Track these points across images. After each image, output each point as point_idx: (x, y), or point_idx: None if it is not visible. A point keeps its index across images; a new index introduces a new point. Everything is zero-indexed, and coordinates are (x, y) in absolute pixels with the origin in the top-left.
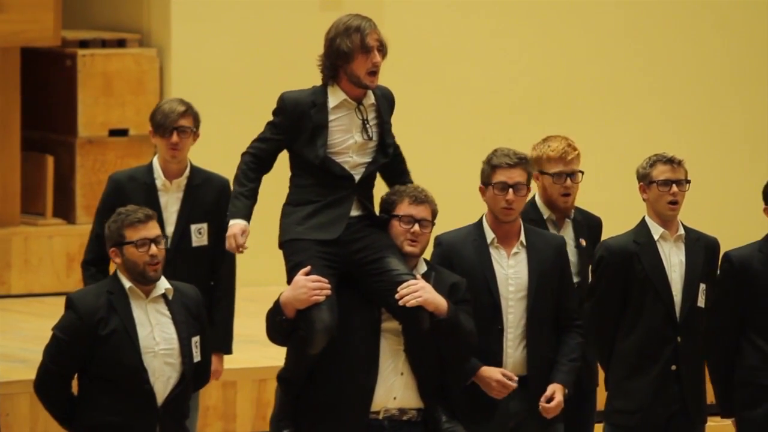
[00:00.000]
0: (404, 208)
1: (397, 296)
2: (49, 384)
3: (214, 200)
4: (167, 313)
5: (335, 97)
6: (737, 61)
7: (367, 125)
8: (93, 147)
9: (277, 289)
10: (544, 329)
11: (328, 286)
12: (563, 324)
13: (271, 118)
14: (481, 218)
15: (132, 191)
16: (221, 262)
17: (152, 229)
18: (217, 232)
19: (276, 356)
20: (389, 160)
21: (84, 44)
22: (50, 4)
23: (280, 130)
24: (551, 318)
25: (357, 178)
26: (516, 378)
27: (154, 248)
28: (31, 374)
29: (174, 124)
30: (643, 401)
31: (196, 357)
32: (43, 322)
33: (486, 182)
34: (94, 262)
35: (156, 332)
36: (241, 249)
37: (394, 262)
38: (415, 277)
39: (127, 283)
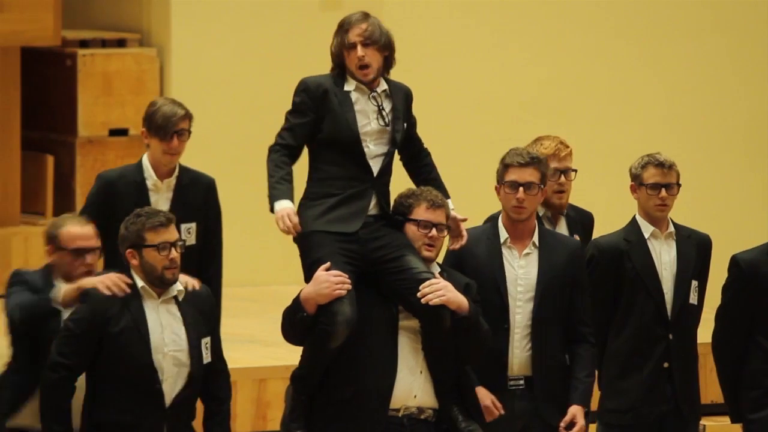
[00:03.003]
0: (422, 213)
1: (419, 294)
2: (55, 379)
3: (202, 200)
4: (178, 314)
5: (349, 83)
6: (737, 62)
7: (383, 111)
8: (93, 147)
9: (277, 289)
10: (551, 330)
11: (349, 280)
12: (574, 332)
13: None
14: (498, 218)
15: (122, 190)
16: (210, 262)
17: (173, 233)
18: (205, 231)
19: (276, 356)
20: (412, 156)
21: (84, 44)
22: (50, 3)
23: (308, 110)
24: (560, 320)
25: (375, 170)
26: (501, 409)
27: (174, 252)
28: None
29: (175, 128)
30: (635, 400)
31: (206, 358)
32: None
33: (499, 181)
34: None
35: (166, 333)
36: (295, 229)
37: (414, 261)
38: (434, 276)
39: (140, 283)
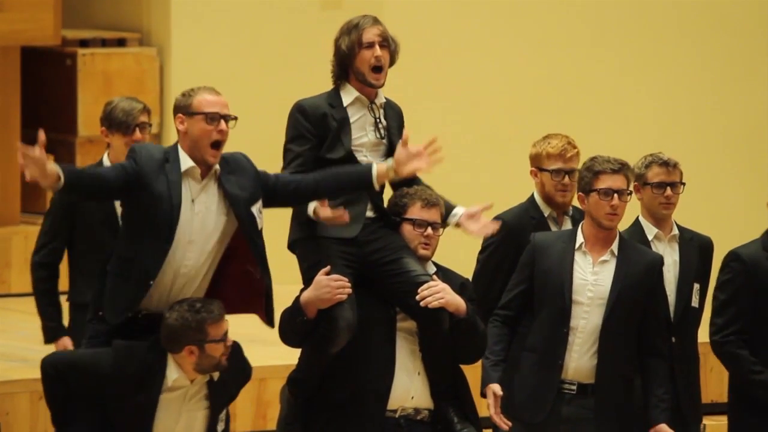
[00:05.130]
0: (416, 212)
1: (417, 297)
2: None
3: None
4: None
5: (348, 95)
6: (737, 61)
7: (380, 124)
8: (93, 146)
9: (276, 288)
10: (619, 341)
11: (349, 284)
12: (647, 344)
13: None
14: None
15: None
16: None
17: (226, 321)
18: None
19: (276, 356)
20: (407, 182)
21: (84, 43)
22: (50, 3)
23: (309, 134)
24: (629, 332)
25: None
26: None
27: (229, 339)
28: (32, 373)
29: (136, 121)
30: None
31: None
32: None
33: (588, 189)
34: (47, 266)
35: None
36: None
37: (411, 263)
38: (432, 278)
39: (173, 374)
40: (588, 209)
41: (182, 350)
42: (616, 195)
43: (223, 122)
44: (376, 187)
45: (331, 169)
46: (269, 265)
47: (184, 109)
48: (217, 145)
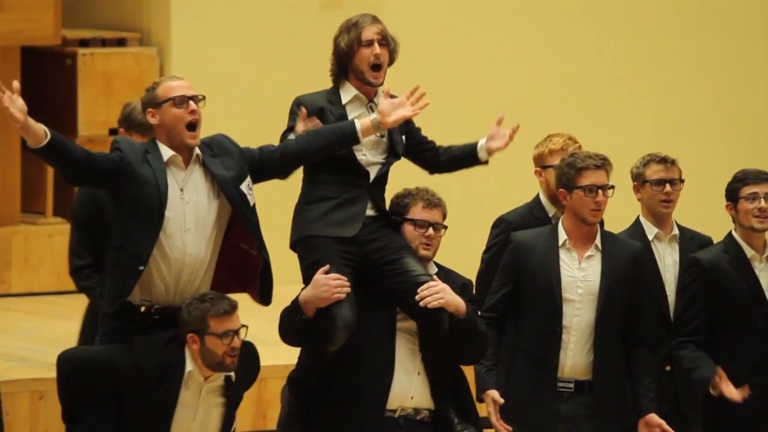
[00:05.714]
0: (418, 212)
1: (417, 297)
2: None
3: None
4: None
5: (347, 93)
6: (737, 61)
7: None
8: (93, 146)
9: (277, 287)
10: (613, 335)
11: (348, 283)
12: (633, 335)
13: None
14: (559, 219)
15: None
16: None
17: (237, 320)
18: None
19: (276, 355)
20: (433, 158)
21: (84, 43)
22: (50, 3)
23: None
24: (620, 325)
25: (372, 176)
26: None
27: (236, 340)
28: (32, 373)
29: None
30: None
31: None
32: (43, 321)
33: (571, 186)
34: (87, 265)
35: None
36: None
37: (412, 263)
38: (432, 278)
39: (189, 366)
40: (571, 206)
41: (186, 337)
42: (600, 191)
43: (192, 103)
44: (361, 141)
45: (313, 129)
46: (271, 259)
47: (151, 102)
48: (192, 126)
